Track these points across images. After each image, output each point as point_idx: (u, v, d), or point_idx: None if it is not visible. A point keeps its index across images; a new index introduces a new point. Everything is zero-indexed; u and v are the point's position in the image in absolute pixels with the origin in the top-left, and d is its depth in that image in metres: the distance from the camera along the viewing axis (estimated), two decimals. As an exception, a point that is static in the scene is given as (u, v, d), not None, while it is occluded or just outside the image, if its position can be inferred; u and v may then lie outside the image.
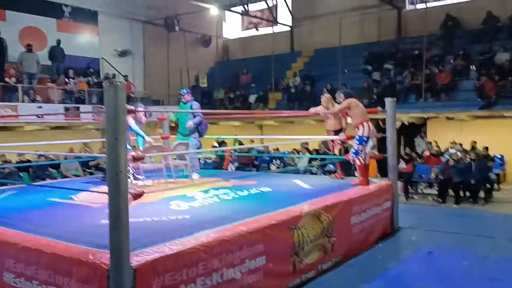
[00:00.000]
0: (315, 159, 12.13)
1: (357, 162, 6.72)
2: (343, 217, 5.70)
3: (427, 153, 12.67)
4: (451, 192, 10.82)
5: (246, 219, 4.52)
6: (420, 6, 17.31)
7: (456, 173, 10.54)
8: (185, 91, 7.66)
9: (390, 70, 16.50)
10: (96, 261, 3.38)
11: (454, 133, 13.86)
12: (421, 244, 6.21)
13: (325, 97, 7.44)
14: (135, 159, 3.79)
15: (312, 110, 7.83)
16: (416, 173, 12.04)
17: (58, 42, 15.13)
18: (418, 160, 12.56)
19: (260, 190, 6.26)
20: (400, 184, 10.21)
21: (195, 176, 7.33)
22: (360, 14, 19.54)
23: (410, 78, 15.41)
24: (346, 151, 7.41)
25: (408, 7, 18.92)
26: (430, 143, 13.75)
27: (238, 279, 4.10)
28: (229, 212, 4.92)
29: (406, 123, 15.38)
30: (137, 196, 3.79)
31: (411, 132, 15.59)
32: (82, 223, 4.62)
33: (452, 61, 15.24)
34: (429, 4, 16.99)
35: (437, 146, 13.43)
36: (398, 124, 15.07)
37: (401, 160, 11.68)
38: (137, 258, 3.39)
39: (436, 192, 11.13)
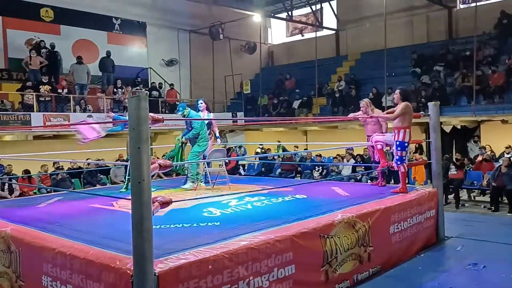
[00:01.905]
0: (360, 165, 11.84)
1: (402, 169, 6.49)
2: (381, 226, 5.51)
3: (479, 158, 12.03)
4: (505, 200, 10.18)
5: (275, 227, 4.48)
6: (474, 4, 16.56)
7: (509, 179, 9.92)
8: (201, 101, 7.73)
9: (440, 72, 15.88)
10: (122, 267, 3.46)
11: (510, 137, 13.07)
12: (467, 255, 5.87)
13: (365, 102, 7.25)
14: (162, 166, 3.84)
15: (351, 115, 7.67)
16: (467, 179, 11.45)
17: (108, 53, 15.79)
18: (470, 165, 11.95)
19: (295, 197, 6.18)
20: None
21: (188, 185, 7.36)
22: (408, 15, 19.03)
23: (461, 80, 14.74)
24: (393, 158, 7.14)
25: (460, 6, 18.17)
26: (484, 147, 13.04)
27: (265, 287, 4.06)
28: (259, 219, 4.88)
29: (458, 127, 14.73)
30: (165, 203, 3.84)
31: (463, 137, 14.89)
32: (117, 229, 4.74)
33: (507, 61, 14.42)
34: (482, 2, 16.22)
35: (491, 151, 12.73)
36: (449, 128, 14.49)
37: (451, 165, 11.17)
38: (161, 265, 3.43)
39: (489, 200, 10.53)
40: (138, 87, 16.40)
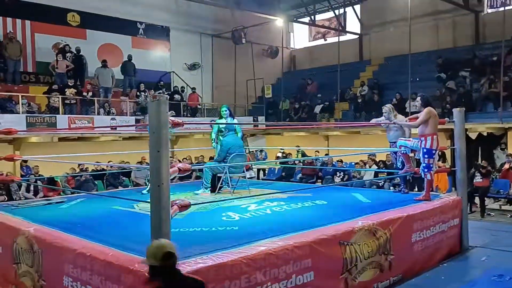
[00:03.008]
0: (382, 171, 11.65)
1: (428, 176, 6.36)
2: (402, 234, 5.41)
3: (506, 166, 11.70)
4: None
5: (294, 233, 4.44)
6: (502, 8, 16.18)
7: (538, 188, 9.64)
8: (225, 109, 7.78)
9: (466, 77, 15.54)
10: (141, 269, 3.47)
11: (538, 145, 12.70)
12: (492, 266, 5.71)
13: (387, 107, 7.14)
14: (181, 170, 3.86)
15: (374, 121, 7.57)
16: (493, 188, 11.16)
17: (130, 57, 16.02)
18: (496, 173, 11.64)
19: (315, 203, 6.13)
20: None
21: (200, 191, 7.29)
22: (434, 20, 18.73)
23: (488, 86, 14.39)
24: (417, 164, 7.00)
25: (488, 10, 17.77)
26: (511, 155, 12.71)
27: (283, 294, 4.02)
28: (278, 224, 4.86)
29: (484, 134, 14.39)
30: (184, 207, 3.85)
31: (489, 144, 14.53)
32: (137, 231, 4.77)
33: (536, 67, 14.05)
34: (510, 7, 15.80)
35: (519, 159, 12.37)
36: (474, 135, 14.17)
37: (477, 173, 10.91)
38: (179, 268, 3.42)
39: (516, 209, 10.26)
40: (160, 91, 16.58)
